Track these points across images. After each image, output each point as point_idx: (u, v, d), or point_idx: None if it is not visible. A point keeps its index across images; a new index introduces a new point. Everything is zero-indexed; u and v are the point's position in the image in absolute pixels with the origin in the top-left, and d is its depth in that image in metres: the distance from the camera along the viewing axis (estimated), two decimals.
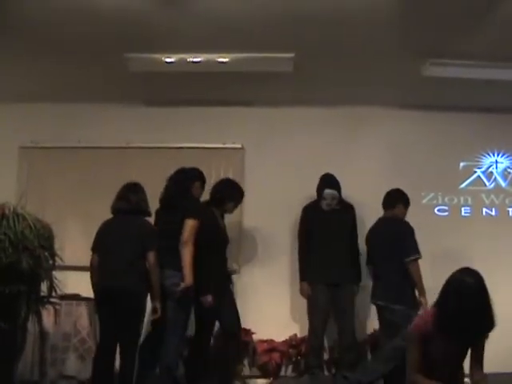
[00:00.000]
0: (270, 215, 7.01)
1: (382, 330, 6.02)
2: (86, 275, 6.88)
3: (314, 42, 5.82)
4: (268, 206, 7.00)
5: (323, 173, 6.43)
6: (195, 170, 5.79)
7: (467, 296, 3.78)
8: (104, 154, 7.32)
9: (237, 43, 5.82)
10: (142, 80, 6.56)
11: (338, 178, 6.41)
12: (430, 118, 7.32)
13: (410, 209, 7.13)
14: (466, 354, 4.04)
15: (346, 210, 6.52)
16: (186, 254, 5.21)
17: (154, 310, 5.20)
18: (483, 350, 4.00)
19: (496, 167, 7.44)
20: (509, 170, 7.43)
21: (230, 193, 5.85)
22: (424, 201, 7.28)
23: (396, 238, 5.85)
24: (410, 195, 7.15)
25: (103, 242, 5.26)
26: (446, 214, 7.25)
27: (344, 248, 6.33)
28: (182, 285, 5.18)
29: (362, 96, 7.04)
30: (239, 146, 7.30)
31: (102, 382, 5.01)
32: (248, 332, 6.49)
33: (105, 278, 5.16)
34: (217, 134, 7.27)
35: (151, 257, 5.10)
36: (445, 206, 7.23)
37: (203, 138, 7.23)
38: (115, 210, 5.37)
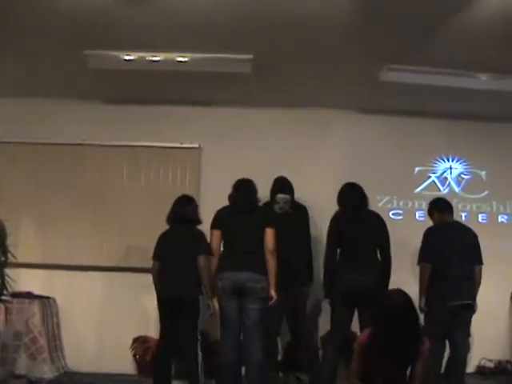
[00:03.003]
0: None
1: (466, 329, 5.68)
2: (40, 273, 6.88)
3: (273, 45, 5.86)
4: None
5: (279, 173, 6.40)
6: None
7: (397, 320, 3.99)
8: (60, 151, 7.24)
9: (196, 43, 5.83)
10: (101, 77, 6.51)
11: (294, 180, 6.34)
12: (386, 122, 7.42)
13: None
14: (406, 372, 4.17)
15: (298, 212, 6.47)
16: (275, 263, 5.36)
17: (208, 307, 5.55)
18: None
19: (450, 173, 7.58)
20: (462, 175, 7.58)
21: None
22: (380, 204, 7.33)
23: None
24: None
25: (162, 251, 5.69)
26: (401, 217, 7.35)
27: (298, 250, 6.31)
28: (273, 293, 5.33)
29: (319, 99, 7.11)
30: (196, 145, 7.29)
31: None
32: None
33: (166, 284, 5.55)
34: (174, 133, 7.26)
35: (201, 260, 5.48)
36: (400, 209, 7.34)
37: (160, 136, 7.22)
38: (168, 221, 5.77)
